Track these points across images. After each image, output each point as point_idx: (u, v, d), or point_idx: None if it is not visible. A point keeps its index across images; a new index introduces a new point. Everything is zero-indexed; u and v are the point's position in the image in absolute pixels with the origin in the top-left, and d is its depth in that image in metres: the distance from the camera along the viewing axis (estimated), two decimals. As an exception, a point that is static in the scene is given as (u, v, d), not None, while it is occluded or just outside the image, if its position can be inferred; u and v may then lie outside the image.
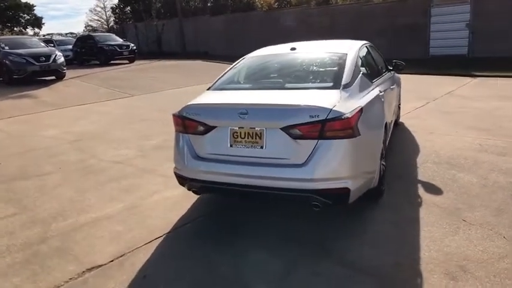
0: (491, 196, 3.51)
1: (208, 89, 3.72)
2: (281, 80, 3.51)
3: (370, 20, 15.20)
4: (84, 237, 3.37)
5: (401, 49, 13.59)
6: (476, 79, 10.19)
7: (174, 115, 3.37)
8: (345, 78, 3.25)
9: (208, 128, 3.11)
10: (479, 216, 3.18)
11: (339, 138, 2.78)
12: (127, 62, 20.44)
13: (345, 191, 2.82)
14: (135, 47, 21.07)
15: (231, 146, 3.05)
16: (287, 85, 3.38)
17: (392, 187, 3.82)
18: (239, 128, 3.00)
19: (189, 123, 3.20)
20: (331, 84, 3.24)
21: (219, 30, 22.61)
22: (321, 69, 3.59)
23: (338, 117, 2.76)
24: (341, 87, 3.14)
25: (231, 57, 20.87)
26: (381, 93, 3.71)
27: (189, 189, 3.39)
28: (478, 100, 7.73)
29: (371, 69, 4.03)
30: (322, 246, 2.96)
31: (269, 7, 31.38)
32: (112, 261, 2.99)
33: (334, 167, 2.80)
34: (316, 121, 2.75)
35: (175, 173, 3.41)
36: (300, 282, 2.55)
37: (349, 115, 2.79)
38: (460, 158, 4.53)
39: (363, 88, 3.36)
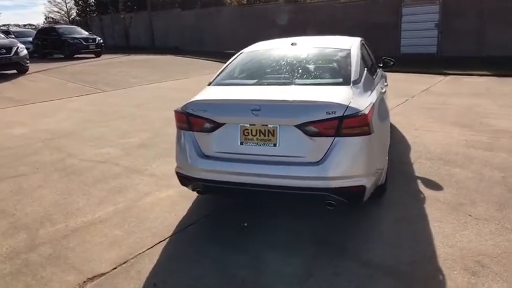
0: (490, 191, 3.60)
1: (209, 84, 3.55)
2: (288, 76, 3.41)
3: (344, 18, 15.40)
4: (79, 244, 3.13)
5: (373, 47, 13.86)
6: (448, 77, 10.57)
7: (176, 112, 3.18)
8: (354, 75, 3.20)
9: (216, 125, 2.95)
10: (483, 211, 3.25)
11: (355, 135, 2.72)
12: (93, 56, 19.58)
13: (361, 188, 2.77)
14: (101, 41, 20.22)
15: (241, 143, 2.91)
16: (295, 81, 3.28)
17: (392, 183, 3.83)
18: (250, 125, 2.87)
19: (194, 120, 3.03)
20: (340, 80, 3.18)
21: (190, 25, 22.14)
22: (326, 65, 3.52)
23: (355, 114, 2.70)
24: (351, 84, 3.09)
25: (202, 52, 20.57)
26: (382, 90, 3.70)
27: (193, 190, 3.22)
28: (454, 97, 7.99)
29: (370, 65, 4.02)
30: (336, 246, 2.90)
31: (238, 3, 31.16)
32: (115, 268, 2.78)
33: (352, 164, 2.74)
34: (333, 118, 2.68)
35: (178, 173, 3.23)
36: (323, 283, 2.47)
37: (365, 111, 2.74)
38: (450, 153, 4.63)
39: (368, 84, 3.33)
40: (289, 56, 3.69)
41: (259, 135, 2.85)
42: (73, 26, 23.13)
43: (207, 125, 2.98)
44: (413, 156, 4.65)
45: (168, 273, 2.70)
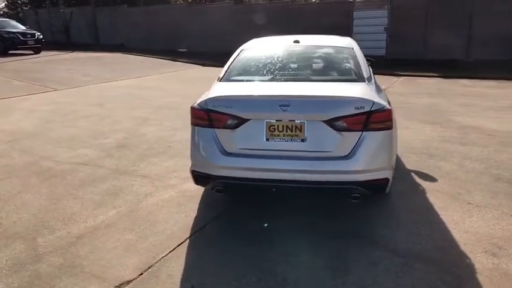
0: (478, 180, 3.92)
1: (220, 80, 3.45)
2: (301, 73, 3.44)
3: (298, 19, 15.76)
4: (90, 250, 2.89)
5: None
6: (401, 78, 11.29)
7: (194, 108, 3.06)
8: (365, 72, 3.32)
9: (241, 122, 2.90)
10: (480, 199, 3.53)
11: (380, 130, 2.83)
12: (31, 52, 18.06)
13: (386, 181, 2.88)
14: (41, 36, 18.72)
15: (267, 140, 2.88)
16: (311, 77, 3.32)
17: (390, 177, 4.02)
18: (276, 120, 2.85)
19: (216, 116, 2.94)
20: (354, 77, 3.27)
21: (137, 22, 21.25)
22: (336, 62, 3.60)
23: (381, 109, 2.80)
24: (366, 81, 3.20)
25: (151, 50, 19.89)
26: (382, 87, 3.87)
27: (212, 188, 3.12)
28: (412, 97, 8.56)
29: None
30: (360, 237, 2.99)
31: (185, 1, 30.59)
32: (141, 274, 2.62)
33: (378, 158, 2.84)
34: (362, 113, 2.76)
35: (196, 172, 3.11)
36: (363, 273, 2.54)
37: (389, 107, 2.86)
38: (431, 148, 4.97)
39: (376, 81, 3.47)
40: (296, 53, 3.73)
41: (286, 131, 2.85)
42: (6, 19, 21.10)
43: (231, 122, 2.91)
44: (398, 151, 4.90)
45: (202, 274, 2.60)
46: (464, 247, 2.79)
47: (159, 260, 2.77)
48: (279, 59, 3.61)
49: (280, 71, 3.44)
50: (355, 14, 14.87)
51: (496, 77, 10.62)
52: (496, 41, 12.55)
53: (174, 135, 5.88)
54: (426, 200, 3.55)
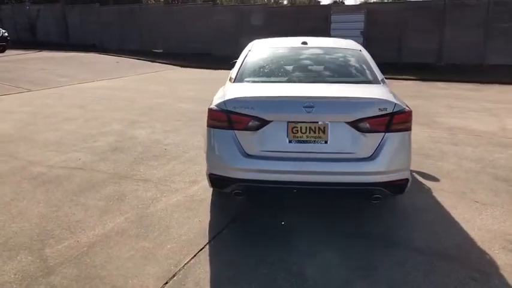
0: (479, 179, 4.07)
1: (234, 81, 3.38)
2: (317, 74, 3.43)
3: (278, 22, 15.85)
4: (106, 260, 2.75)
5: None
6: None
7: (212, 110, 2.97)
8: (378, 74, 3.36)
9: (263, 123, 2.85)
10: (484, 197, 3.66)
11: (401, 131, 2.87)
12: (-5, 51, 17.17)
13: (405, 181, 2.92)
14: (6, 34, 17.80)
15: (289, 141, 2.85)
16: (327, 79, 3.32)
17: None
18: (299, 122, 2.83)
19: (237, 118, 2.88)
20: (370, 79, 3.31)
21: (111, 22, 20.65)
22: (348, 64, 3.61)
23: (402, 111, 2.84)
24: (381, 82, 3.24)
25: (125, 51, 19.40)
26: None
27: (231, 192, 3.05)
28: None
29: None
30: (381, 237, 3.02)
31: (156, 1, 30.12)
32: (167, 283, 2.52)
33: (399, 159, 2.88)
34: (385, 114, 2.79)
35: (213, 175, 3.03)
36: (393, 273, 2.55)
37: (409, 108, 2.90)
38: (425, 148, 5.11)
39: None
40: (307, 54, 3.72)
41: (309, 133, 2.83)
42: (-34, 16, 19.95)
43: (253, 123, 2.85)
44: (395, 151, 5.01)
45: (231, 280, 2.53)
46: (482, 244, 2.87)
47: (182, 267, 2.67)
48: (291, 61, 3.59)
49: (294, 72, 3.42)
50: (332, 17, 15.14)
51: (468, 80, 11.11)
52: (465, 46, 13.14)
53: (168, 137, 5.73)
54: (434, 199, 3.64)
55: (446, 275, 2.53)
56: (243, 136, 2.90)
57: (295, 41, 3.99)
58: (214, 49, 17.49)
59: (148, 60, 16.73)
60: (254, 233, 3.13)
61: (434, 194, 3.75)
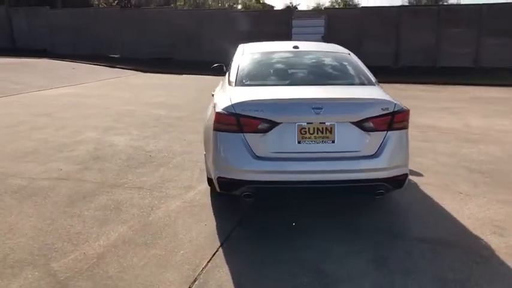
0: (456, 173, 4.40)
1: (234, 85, 3.41)
2: (314, 77, 3.55)
3: (238, 26, 15.99)
4: (120, 270, 2.68)
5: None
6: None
7: (220, 113, 2.99)
8: (371, 76, 3.56)
9: (272, 125, 2.92)
10: (466, 188, 3.97)
11: (401, 129, 3.06)
12: None
13: (405, 176, 3.12)
14: None
15: (299, 142, 2.94)
16: (327, 81, 3.45)
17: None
18: (308, 123, 2.93)
19: (246, 121, 2.92)
20: (365, 80, 3.49)
21: (63, 26, 19.68)
22: (342, 67, 3.75)
23: (401, 110, 3.03)
24: (376, 84, 3.43)
25: (78, 56, 18.62)
26: None
27: (240, 194, 3.08)
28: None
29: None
30: (384, 231, 3.19)
31: (107, 4, 29.21)
32: (190, 288, 2.50)
33: (400, 155, 3.06)
34: (387, 113, 2.97)
35: (222, 179, 3.04)
36: (405, 262, 2.72)
37: (407, 108, 3.10)
38: (402, 146, 5.42)
39: None
40: (301, 58, 3.84)
41: (317, 133, 2.94)
42: None
43: (263, 126, 2.91)
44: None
45: (253, 281, 2.56)
46: (474, 231, 3.13)
47: (201, 272, 2.67)
48: (287, 64, 3.69)
49: (293, 75, 3.53)
50: (294, 22, 15.56)
51: (424, 82, 11.88)
52: (419, 50, 14.04)
53: (149, 144, 5.62)
54: (422, 192, 3.89)
55: (451, 260, 2.74)
56: (252, 138, 2.95)
57: (286, 45, 4.11)
58: (175, 53, 17.29)
59: (107, 66, 16.20)
60: (263, 234, 3.18)
61: (421, 187, 4.01)
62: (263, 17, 16.15)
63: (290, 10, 16.02)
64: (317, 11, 15.74)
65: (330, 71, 3.70)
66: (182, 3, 36.40)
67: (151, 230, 3.21)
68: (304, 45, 4.14)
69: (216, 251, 2.91)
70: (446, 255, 2.82)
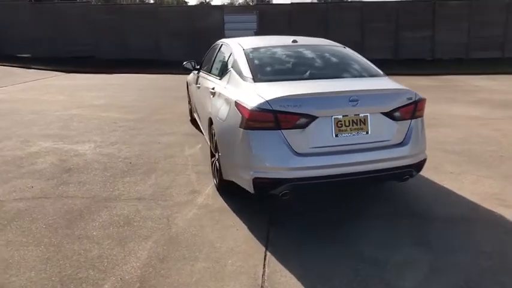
0: (435, 155, 4.76)
1: (254, 81, 3.25)
2: (330, 71, 3.56)
3: (167, 22, 15.33)
4: (168, 285, 2.40)
5: (197, 50, 14.48)
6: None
7: (253, 111, 2.84)
8: (377, 68, 3.68)
9: (310, 120, 2.86)
10: (453, 168, 4.36)
11: (420, 117, 3.24)
12: None
13: (425, 161, 3.31)
14: None
15: (336, 135, 2.93)
16: (343, 74, 3.48)
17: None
18: (343, 116, 2.93)
19: (285, 117, 2.82)
20: (375, 72, 3.59)
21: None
22: (349, 60, 3.77)
23: (421, 99, 3.20)
24: (384, 75, 3.56)
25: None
26: None
27: (278, 193, 2.96)
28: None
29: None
30: (403, 215, 3.35)
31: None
32: (262, 297, 2.35)
33: (421, 141, 3.25)
34: (411, 103, 3.11)
35: (259, 179, 2.90)
36: (439, 241, 2.89)
37: (423, 96, 3.28)
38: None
39: None
40: (306, 52, 3.82)
41: (353, 125, 2.96)
42: None
43: (301, 121, 2.84)
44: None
45: (317, 281, 2.49)
46: (483, 204, 3.45)
47: (262, 279, 2.52)
48: (297, 58, 3.65)
49: (308, 69, 3.50)
50: (225, 18, 15.43)
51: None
52: (346, 44, 14.92)
53: (121, 150, 5.14)
54: (419, 175, 4.13)
55: (479, 233, 3.00)
56: (291, 135, 2.87)
57: (283, 40, 4.05)
58: (98, 51, 16.00)
59: (20, 67, 14.39)
60: (299, 231, 3.11)
61: (415, 171, 4.28)
62: (193, 13, 15.70)
63: (222, 6, 15.86)
64: (246, 7, 15.83)
65: (341, 64, 3.73)
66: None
67: (182, 243, 2.94)
68: (302, 40, 4.14)
69: (265, 255, 2.78)
70: (461, 226, 3.10)
